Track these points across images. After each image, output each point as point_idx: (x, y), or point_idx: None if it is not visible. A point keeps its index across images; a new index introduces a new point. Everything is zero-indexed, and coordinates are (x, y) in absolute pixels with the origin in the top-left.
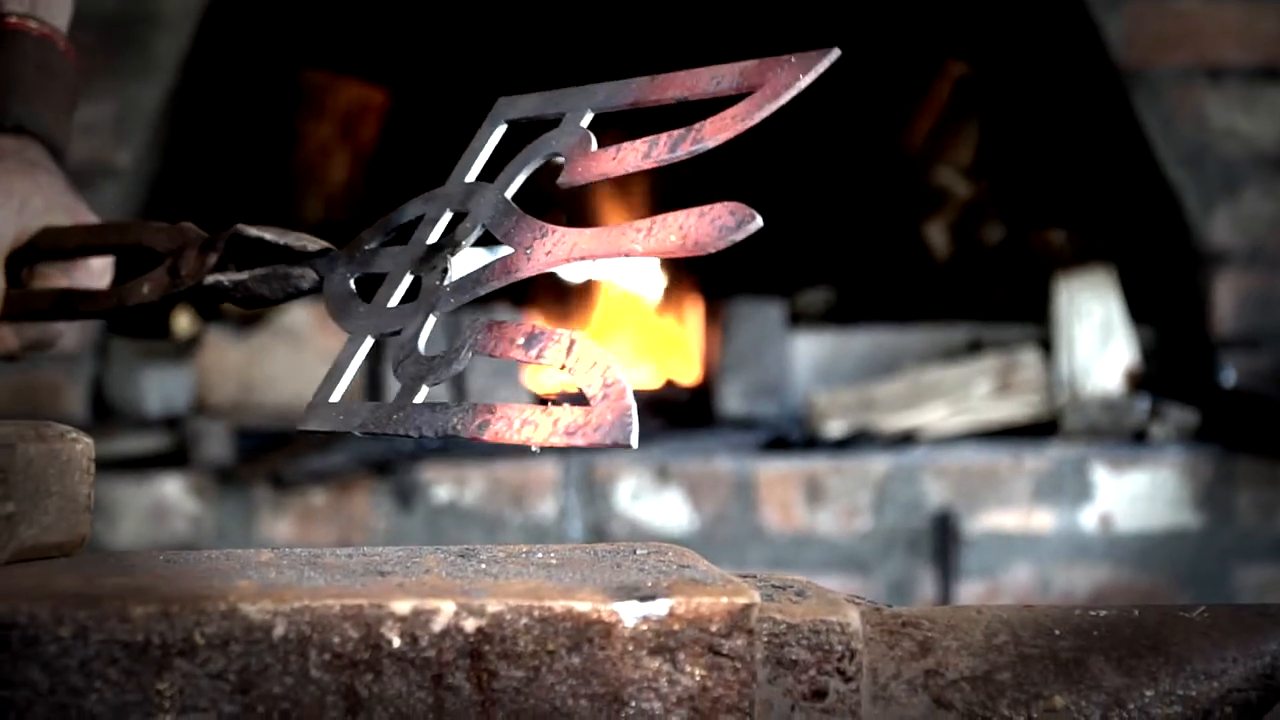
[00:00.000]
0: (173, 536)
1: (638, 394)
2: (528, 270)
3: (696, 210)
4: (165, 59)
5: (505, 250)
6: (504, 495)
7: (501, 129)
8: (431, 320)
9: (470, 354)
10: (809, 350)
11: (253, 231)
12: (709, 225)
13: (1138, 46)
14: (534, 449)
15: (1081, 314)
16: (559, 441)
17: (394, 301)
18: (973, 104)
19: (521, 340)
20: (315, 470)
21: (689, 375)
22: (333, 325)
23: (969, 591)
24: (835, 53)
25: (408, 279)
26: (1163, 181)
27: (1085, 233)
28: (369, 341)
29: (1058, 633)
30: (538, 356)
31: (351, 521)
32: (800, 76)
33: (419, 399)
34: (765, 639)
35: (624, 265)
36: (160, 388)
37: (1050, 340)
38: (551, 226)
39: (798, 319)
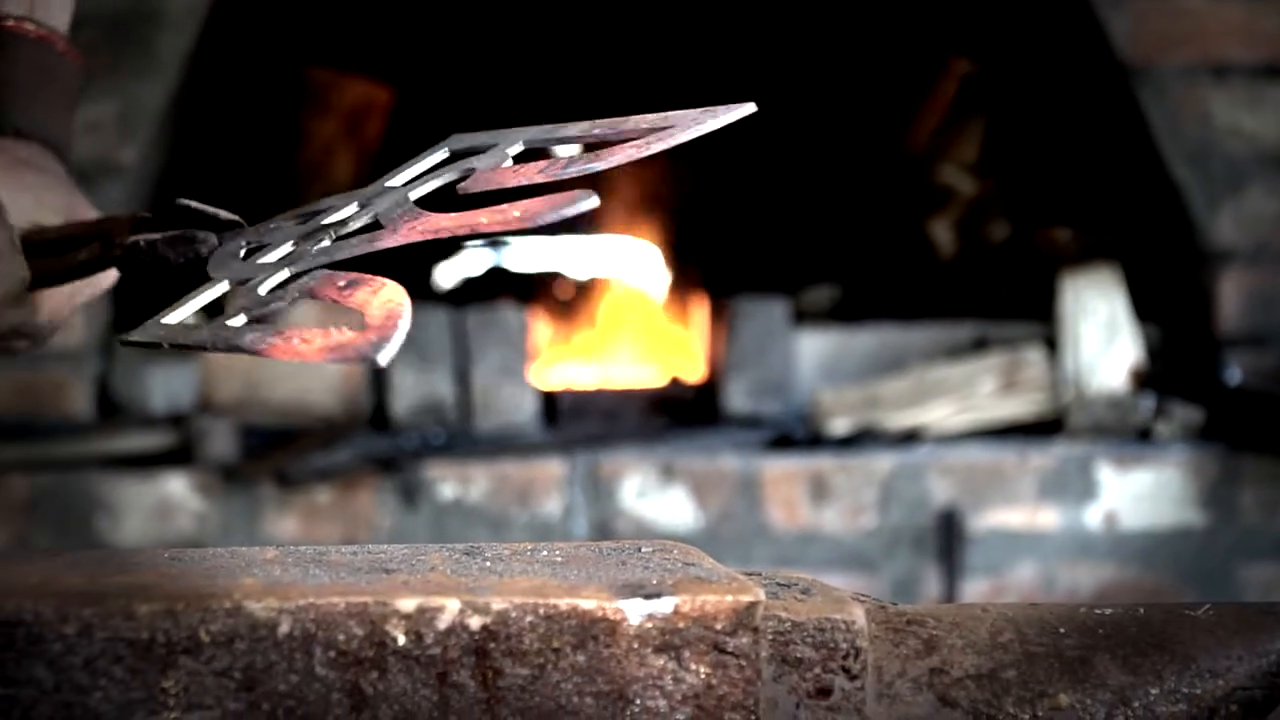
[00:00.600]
0: (178, 534)
1: (405, 322)
2: (389, 241)
3: (545, 196)
4: (169, 57)
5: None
6: (509, 493)
7: (443, 154)
8: (284, 273)
9: (298, 294)
10: (814, 348)
11: (182, 200)
12: (546, 204)
13: (1142, 44)
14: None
15: (1087, 312)
16: (318, 356)
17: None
18: (978, 102)
19: (342, 284)
20: (320, 468)
21: (694, 373)
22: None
23: (974, 589)
24: (749, 107)
25: (287, 247)
26: (1168, 179)
27: (1090, 231)
28: (224, 285)
29: (1063, 631)
30: (349, 296)
31: (356, 519)
32: (708, 120)
33: (232, 322)
34: (770, 637)
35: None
36: (165, 385)
37: (1055, 338)
38: (424, 211)
39: (803, 317)
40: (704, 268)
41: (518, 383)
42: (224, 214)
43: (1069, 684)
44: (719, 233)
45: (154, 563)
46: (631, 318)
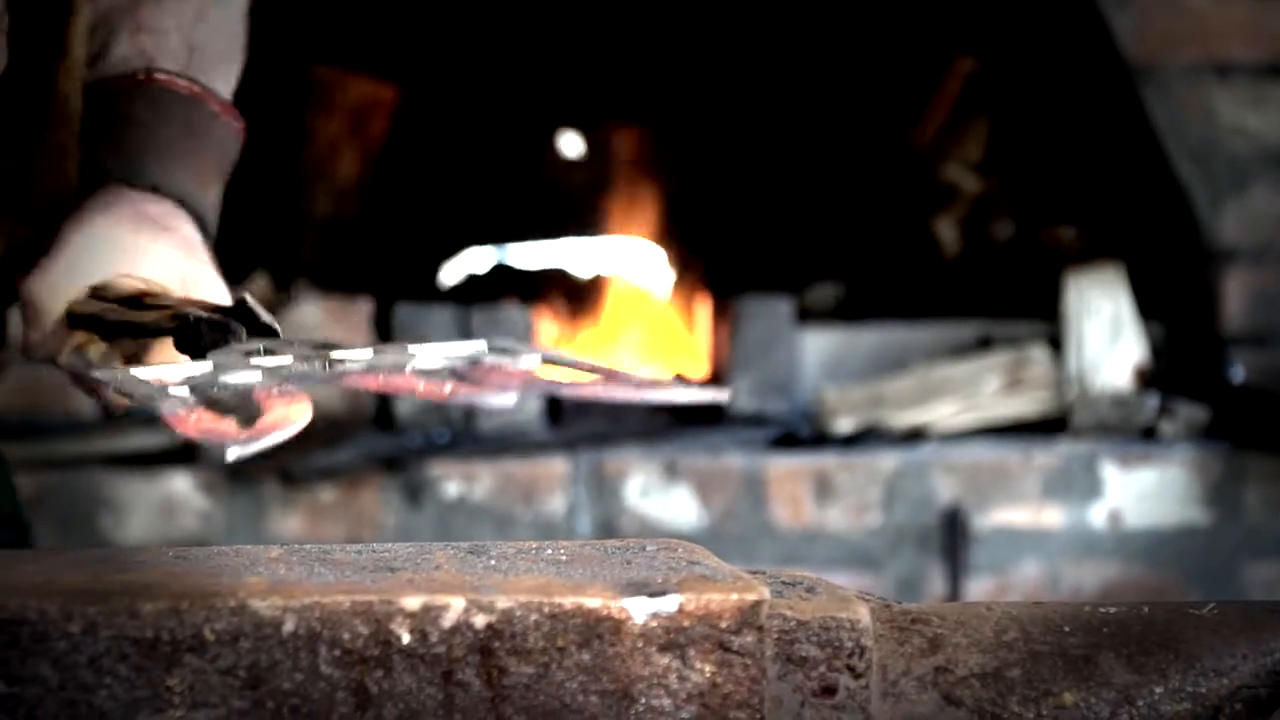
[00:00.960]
0: (182, 533)
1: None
2: (351, 382)
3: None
4: None
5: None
6: (513, 491)
7: (479, 346)
8: (255, 376)
9: (237, 391)
10: (818, 347)
11: (245, 296)
12: (475, 390)
13: (1147, 43)
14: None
15: (1091, 311)
16: (190, 431)
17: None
18: (982, 100)
19: (275, 392)
20: (324, 467)
21: (698, 372)
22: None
23: (978, 588)
24: (725, 395)
25: (284, 359)
26: (1172, 178)
27: (1095, 229)
28: (207, 366)
29: (1067, 629)
30: (268, 402)
31: (361, 518)
32: (686, 394)
33: (173, 389)
34: (775, 636)
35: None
36: None
37: (1060, 337)
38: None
39: (807, 315)
40: (707, 266)
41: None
42: (269, 320)
43: (1074, 682)
44: (722, 231)
45: (158, 561)
46: (635, 316)
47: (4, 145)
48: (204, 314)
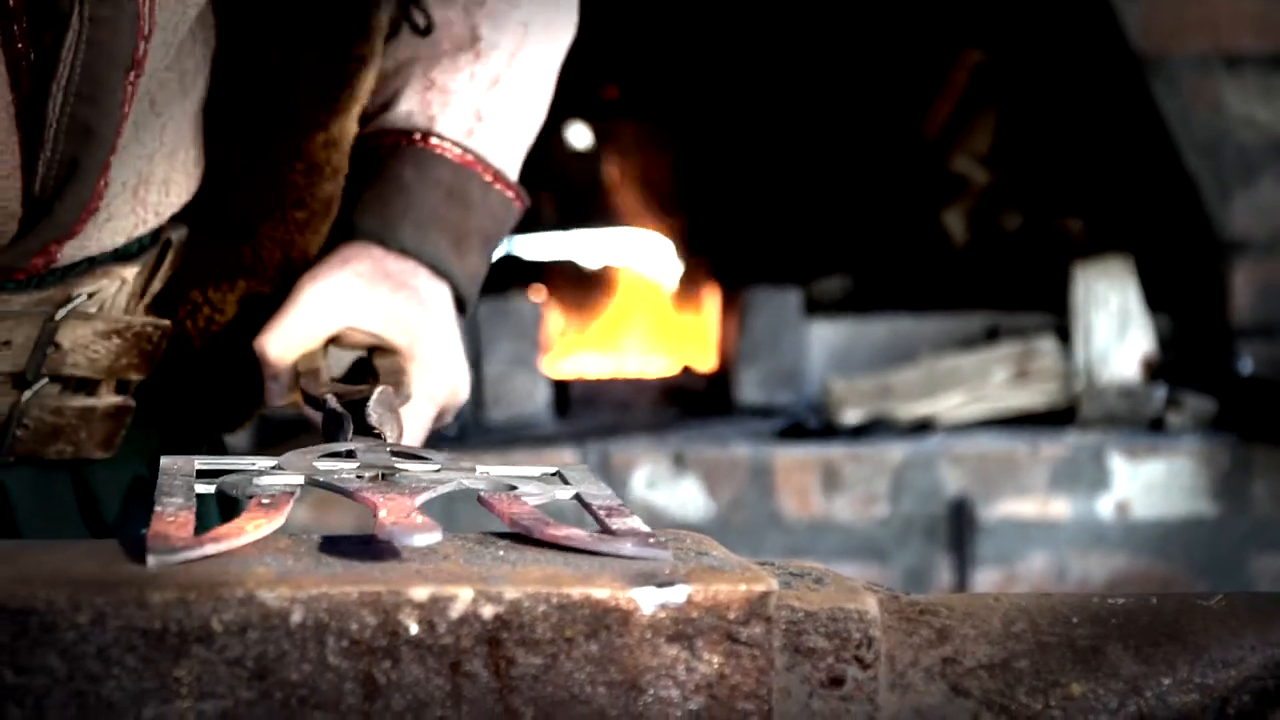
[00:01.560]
0: None
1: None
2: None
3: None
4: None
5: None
6: None
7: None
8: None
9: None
10: (826, 338)
11: (372, 421)
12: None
13: (1155, 34)
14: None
15: (1099, 302)
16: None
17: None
18: (990, 92)
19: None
20: None
21: (706, 363)
22: None
23: (985, 579)
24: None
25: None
26: (1180, 170)
27: (1103, 221)
28: (271, 461)
29: (1075, 620)
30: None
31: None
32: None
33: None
34: (783, 626)
35: (648, 255)
36: None
37: (1067, 328)
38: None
39: (814, 307)
40: (716, 258)
41: (530, 373)
42: (375, 423)
43: (1082, 673)
44: (731, 223)
45: None
46: (644, 307)
47: (255, 204)
48: (336, 405)
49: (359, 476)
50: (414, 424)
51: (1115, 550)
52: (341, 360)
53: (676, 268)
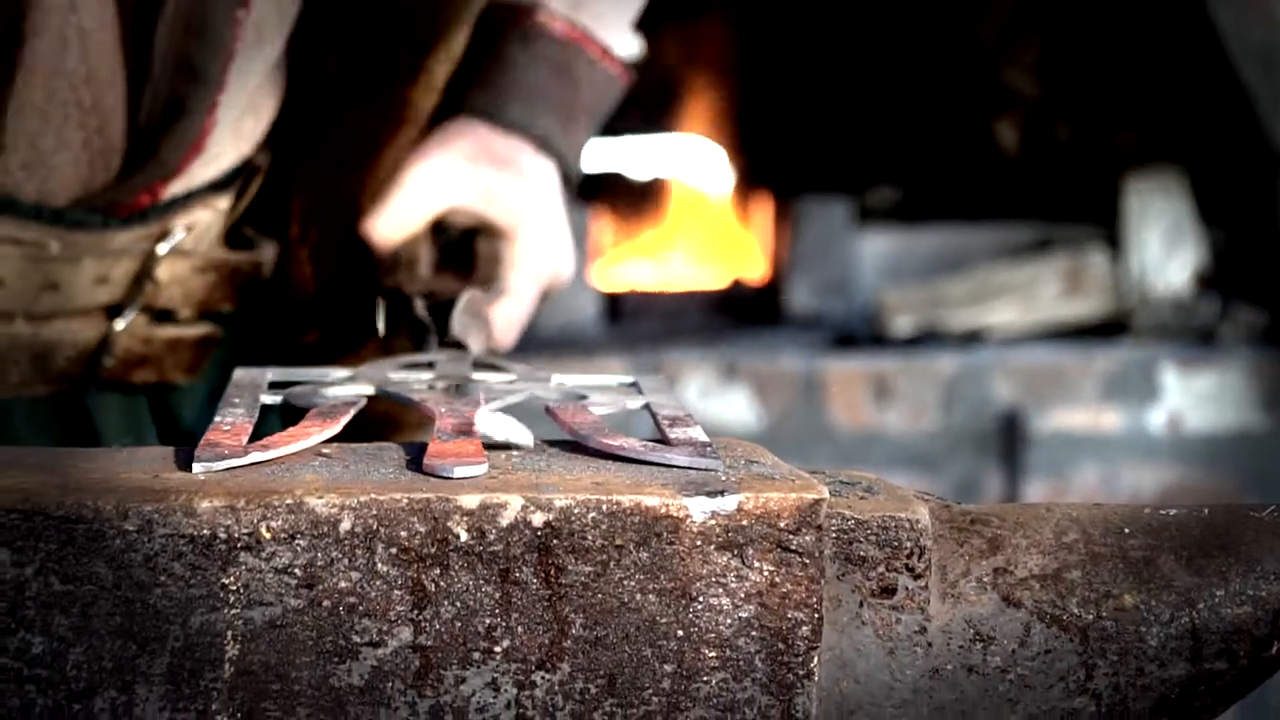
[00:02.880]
0: None
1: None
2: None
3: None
4: None
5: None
6: None
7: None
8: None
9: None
10: (877, 248)
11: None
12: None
13: None
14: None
15: (1151, 214)
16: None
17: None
18: (1042, 3)
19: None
20: None
21: (757, 273)
22: None
23: (1035, 492)
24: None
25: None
26: (1235, 82)
27: (1155, 133)
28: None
29: (1127, 531)
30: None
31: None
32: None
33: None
34: (834, 535)
35: (692, 166)
36: None
37: (1120, 240)
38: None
39: (866, 217)
40: (767, 167)
41: (579, 283)
42: (460, 333)
43: (1134, 585)
44: (783, 132)
45: None
46: (694, 218)
47: (374, 126)
48: (422, 312)
49: (430, 387)
50: (514, 310)
51: (1166, 463)
52: (441, 243)
53: (728, 177)
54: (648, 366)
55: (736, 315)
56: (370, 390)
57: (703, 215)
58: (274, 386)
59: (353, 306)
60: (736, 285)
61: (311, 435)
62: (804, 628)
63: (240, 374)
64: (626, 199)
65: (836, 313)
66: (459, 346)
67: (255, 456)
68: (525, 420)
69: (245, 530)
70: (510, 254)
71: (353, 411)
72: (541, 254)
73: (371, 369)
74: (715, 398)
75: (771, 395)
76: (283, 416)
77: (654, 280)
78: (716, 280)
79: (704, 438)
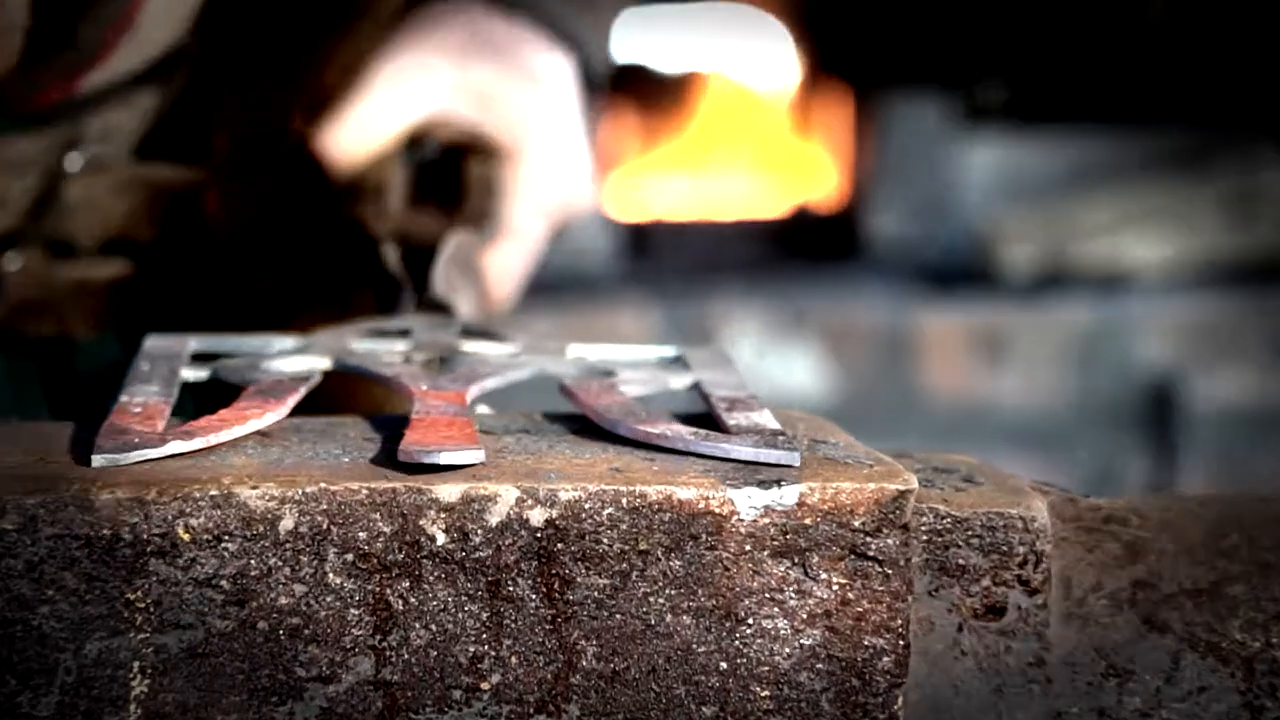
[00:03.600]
0: None
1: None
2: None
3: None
4: None
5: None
6: None
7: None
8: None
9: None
10: (986, 162)
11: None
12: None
13: None
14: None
15: None
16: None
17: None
18: None
19: None
20: None
21: (827, 196)
22: None
23: (1191, 480)
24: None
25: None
26: None
27: None
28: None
29: None
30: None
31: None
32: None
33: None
34: (924, 538)
35: (740, 54)
36: None
37: None
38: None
39: (972, 119)
40: (843, 55)
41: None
42: (442, 294)
43: None
44: (864, 8)
45: None
46: (744, 122)
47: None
48: (395, 263)
49: (406, 360)
50: (514, 256)
51: None
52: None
53: (792, 68)
54: (682, 322)
55: (800, 251)
56: (326, 363)
57: (756, 119)
58: (199, 359)
59: (299, 252)
60: (800, 212)
61: (250, 420)
62: (885, 659)
63: (154, 342)
64: (653, 97)
65: (932, 247)
66: (442, 309)
67: (175, 446)
68: (533, 404)
69: (157, 530)
70: (511, 180)
71: (304, 389)
72: (552, 179)
73: (327, 337)
74: (772, 357)
75: (846, 355)
76: (209, 396)
77: (690, 206)
78: (773, 206)
79: (773, 424)
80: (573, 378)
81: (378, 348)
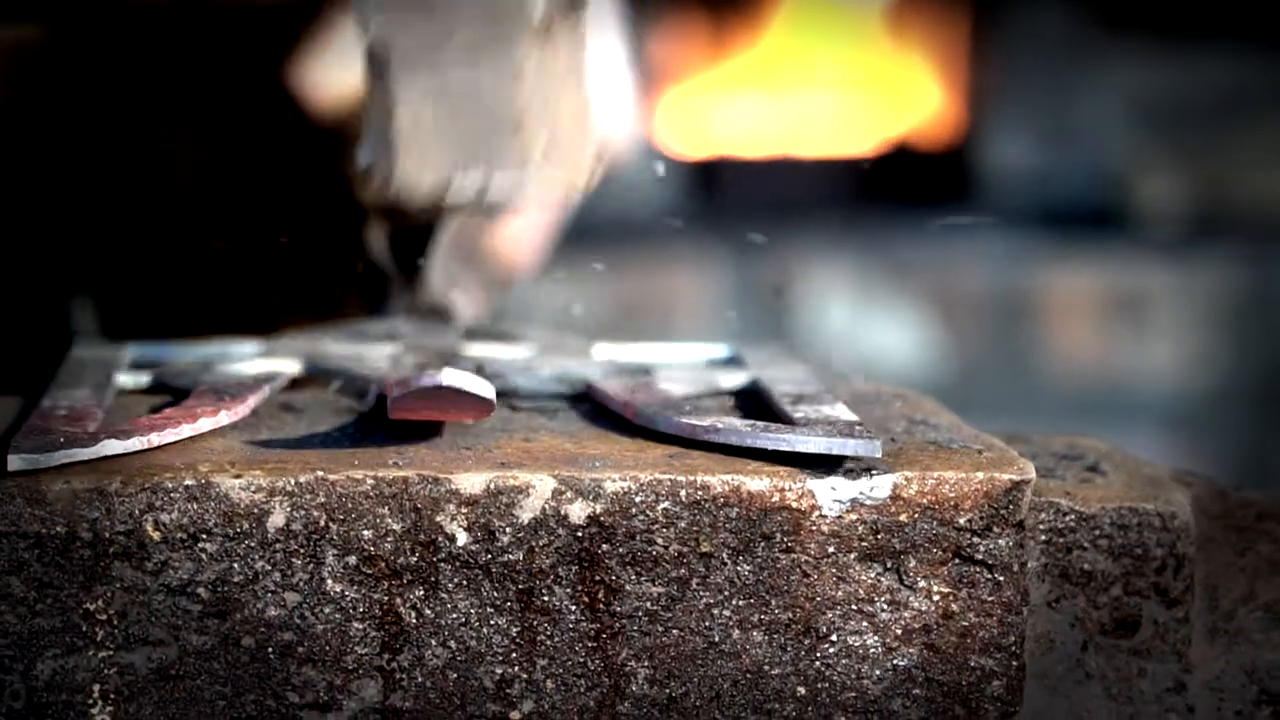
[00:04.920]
0: None
1: None
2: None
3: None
4: None
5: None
6: (634, 309)
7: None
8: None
9: None
10: (1129, 82)
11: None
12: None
13: None
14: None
15: None
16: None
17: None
18: None
19: None
20: None
21: (932, 125)
22: None
23: None
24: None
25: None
26: None
27: None
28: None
29: None
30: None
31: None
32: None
33: None
34: (1043, 539)
35: None
36: None
37: None
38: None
39: (1111, 31)
40: None
41: (632, 141)
42: (449, 312)
43: None
44: None
45: None
46: (830, 32)
47: None
48: (381, 250)
49: (396, 365)
50: (530, 220)
51: None
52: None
53: None
54: (754, 281)
55: (898, 194)
56: (294, 366)
57: (844, 29)
58: (140, 366)
59: (265, 210)
60: (899, 147)
61: (201, 419)
62: (995, 683)
63: (82, 350)
64: (718, 2)
65: (1060, 189)
66: (439, 313)
67: (110, 447)
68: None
69: (122, 527)
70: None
71: (266, 390)
72: (570, 114)
73: (298, 340)
74: (862, 321)
75: (955, 318)
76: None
77: (764, 137)
78: (866, 136)
79: (849, 415)
80: (599, 377)
81: (356, 351)
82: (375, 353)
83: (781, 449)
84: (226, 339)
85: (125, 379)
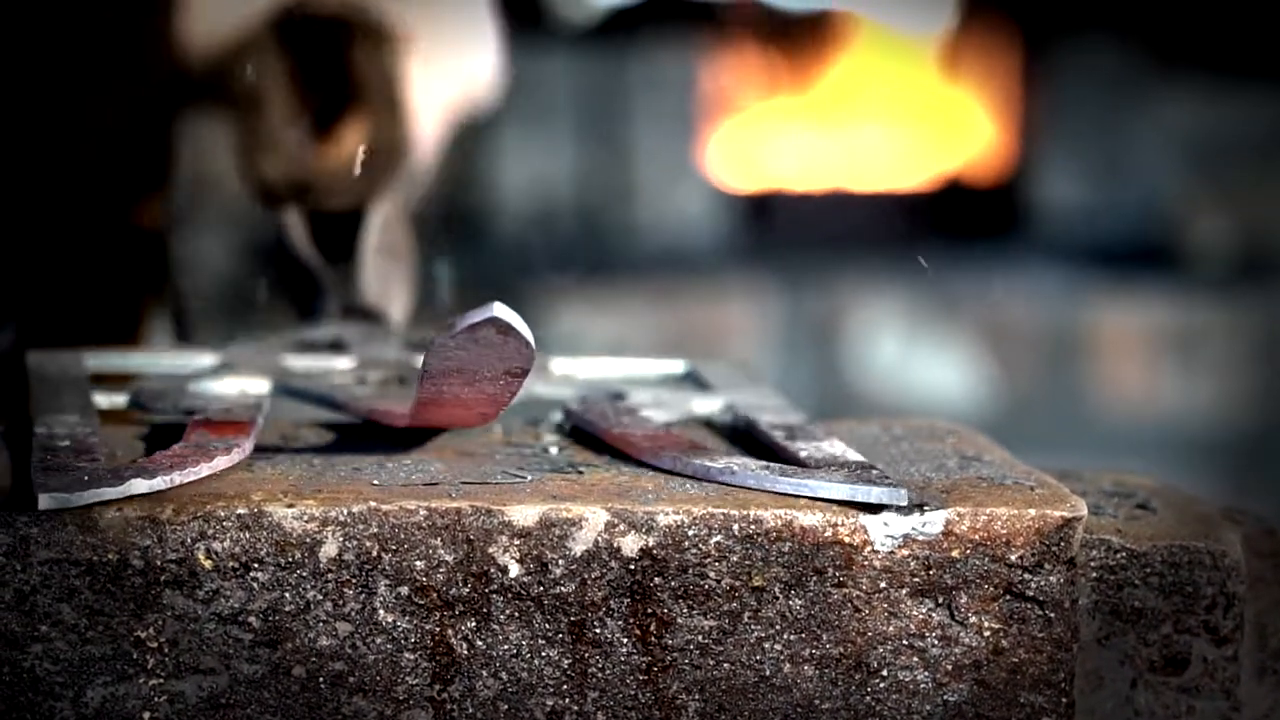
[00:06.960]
0: None
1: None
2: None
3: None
4: None
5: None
6: (677, 340)
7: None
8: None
9: None
10: (1181, 118)
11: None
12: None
13: None
14: None
15: None
16: None
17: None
18: None
19: None
20: None
21: (985, 160)
22: None
23: None
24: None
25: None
26: None
27: None
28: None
29: None
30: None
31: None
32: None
33: None
34: (1094, 575)
35: None
36: None
37: None
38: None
39: (1161, 68)
40: None
41: (683, 171)
42: (382, 316)
43: None
44: None
45: None
46: (885, 69)
47: None
48: (300, 246)
49: (361, 382)
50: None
51: None
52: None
53: (944, 6)
54: (806, 313)
55: (951, 227)
56: (264, 386)
57: (900, 66)
58: (101, 380)
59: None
60: (951, 180)
61: (217, 458)
62: (1045, 719)
63: (40, 359)
64: (778, 37)
65: (1111, 226)
66: (370, 317)
67: (137, 486)
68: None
69: (174, 555)
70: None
71: (260, 420)
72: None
73: (250, 351)
74: (915, 357)
75: (1005, 354)
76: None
77: (817, 171)
78: (919, 171)
79: (853, 454)
80: (577, 402)
81: (317, 366)
82: (334, 366)
83: (804, 495)
84: (178, 352)
85: (101, 400)
